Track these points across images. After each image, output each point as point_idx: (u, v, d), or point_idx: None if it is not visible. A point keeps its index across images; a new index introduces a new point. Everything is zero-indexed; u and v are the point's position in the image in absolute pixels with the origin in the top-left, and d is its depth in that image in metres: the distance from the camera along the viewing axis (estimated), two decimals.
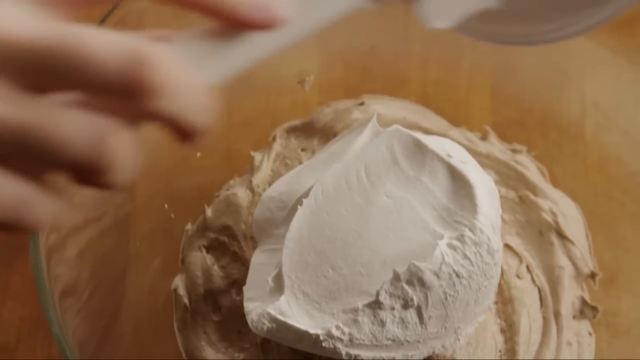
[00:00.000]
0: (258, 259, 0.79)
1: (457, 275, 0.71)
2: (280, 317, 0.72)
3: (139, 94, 0.41)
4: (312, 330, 0.71)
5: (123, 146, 0.43)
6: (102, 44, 0.41)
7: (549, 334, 0.82)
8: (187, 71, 0.43)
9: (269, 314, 0.72)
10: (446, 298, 0.71)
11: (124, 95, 0.41)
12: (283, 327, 0.72)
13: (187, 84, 0.43)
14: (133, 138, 0.44)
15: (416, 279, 0.70)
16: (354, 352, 0.72)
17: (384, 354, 0.74)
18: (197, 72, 0.45)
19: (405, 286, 0.70)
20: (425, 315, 0.71)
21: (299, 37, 0.49)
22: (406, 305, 0.71)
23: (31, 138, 0.41)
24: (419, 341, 0.73)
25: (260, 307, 0.74)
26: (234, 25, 0.46)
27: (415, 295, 0.70)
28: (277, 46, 0.48)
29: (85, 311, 0.71)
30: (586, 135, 0.91)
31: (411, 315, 0.71)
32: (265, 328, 0.73)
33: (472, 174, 0.74)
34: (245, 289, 0.77)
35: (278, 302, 0.72)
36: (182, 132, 0.45)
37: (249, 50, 0.47)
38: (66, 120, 0.41)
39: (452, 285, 0.71)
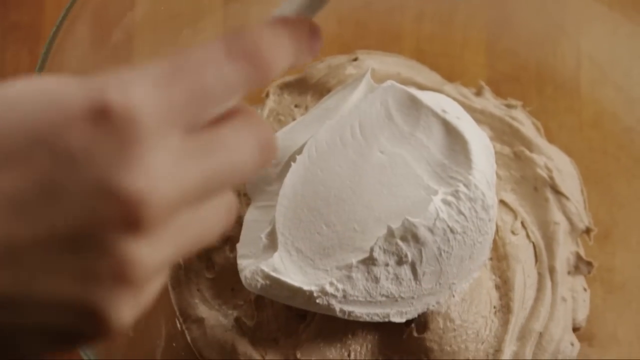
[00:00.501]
0: (251, 216, 0.79)
1: (452, 231, 0.71)
2: (274, 274, 0.71)
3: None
4: (305, 287, 0.71)
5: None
6: None
7: (544, 289, 0.81)
8: None
9: (262, 270, 0.72)
10: (440, 254, 0.71)
11: None
12: (276, 284, 0.72)
13: None
14: None
15: (410, 235, 0.69)
16: (347, 308, 0.72)
17: (378, 310, 0.74)
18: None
19: (400, 242, 0.69)
20: (419, 271, 0.71)
21: None
22: (400, 262, 0.70)
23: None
24: (413, 297, 0.73)
25: (253, 264, 0.74)
26: None
27: (409, 251, 0.70)
28: None
29: None
30: (581, 90, 0.90)
31: (405, 271, 0.71)
32: (258, 285, 0.73)
33: (467, 130, 0.74)
34: (238, 246, 0.77)
35: (271, 259, 0.72)
36: None
37: None
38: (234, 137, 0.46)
39: (447, 241, 0.71)
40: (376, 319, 0.74)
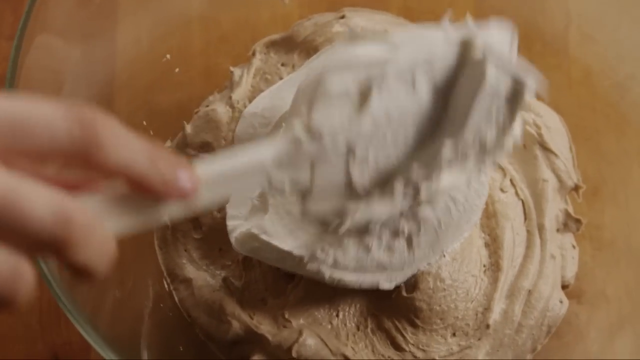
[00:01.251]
0: None
1: (454, 201, 0.70)
2: (264, 237, 0.71)
3: (62, 248, 0.45)
4: (296, 252, 0.70)
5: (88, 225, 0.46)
6: (35, 203, 0.44)
7: (533, 247, 0.81)
8: (100, 224, 0.47)
9: (252, 233, 0.71)
10: (440, 225, 0.71)
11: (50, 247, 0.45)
12: (266, 247, 0.71)
13: (100, 237, 0.47)
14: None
15: (410, 212, 0.69)
16: (337, 275, 0.72)
17: (367, 278, 0.73)
18: (108, 225, 0.49)
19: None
20: (415, 241, 0.71)
21: (207, 205, 0.53)
22: (396, 234, 0.70)
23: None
24: (404, 265, 0.73)
25: (243, 225, 0.73)
26: (146, 192, 0.49)
27: (407, 225, 0.69)
28: (186, 211, 0.52)
29: None
30: (570, 47, 0.90)
31: (400, 242, 0.70)
32: (248, 247, 0.73)
33: None
34: (228, 206, 0.76)
35: (262, 222, 0.71)
36: (81, 274, 0.48)
37: (158, 211, 0.51)
38: (30, 191, 0.44)
39: (448, 212, 0.70)
40: (365, 286, 0.74)
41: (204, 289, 0.81)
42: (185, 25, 0.90)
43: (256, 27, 0.91)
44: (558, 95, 0.89)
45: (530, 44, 0.90)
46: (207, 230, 0.83)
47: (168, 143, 0.88)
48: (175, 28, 0.89)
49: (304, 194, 0.59)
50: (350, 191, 0.63)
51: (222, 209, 0.79)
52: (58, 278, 0.64)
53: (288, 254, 0.71)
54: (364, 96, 0.56)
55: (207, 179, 0.52)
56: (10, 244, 0.45)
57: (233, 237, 0.74)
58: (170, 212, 0.51)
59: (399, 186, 0.63)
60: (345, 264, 0.70)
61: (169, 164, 0.49)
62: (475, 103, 0.59)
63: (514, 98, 0.60)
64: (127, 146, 0.47)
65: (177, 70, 0.88)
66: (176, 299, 0.83)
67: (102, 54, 0.83)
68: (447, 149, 0.59)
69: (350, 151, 0.57)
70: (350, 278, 0.73)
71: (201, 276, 0.82)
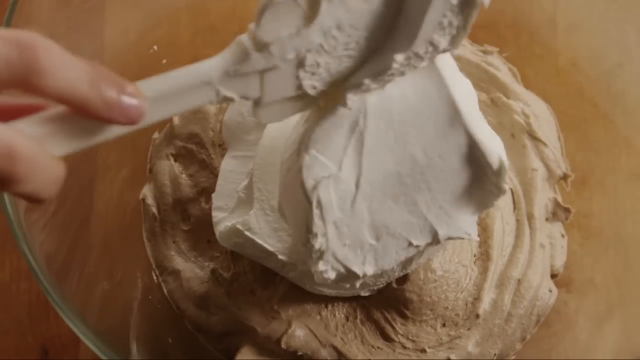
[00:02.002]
0: (228, 165, 0.78)
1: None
2: (248, 234, 0.71)
3: (8, 183, 0.46)
4: (280, 256, 0.71)
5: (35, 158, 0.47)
6: None
7: (522, 236, 0.81)
8: (44, 152, 0.47)
9: (236, 228, 0.71)
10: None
11: None
12: (250, 244, 0.71)
13: (46, 166, 0.47)
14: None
15: None
16: (317, 286, 0.73)
17: (347, 291, 0.74)
18: (50, 148, 0.48)
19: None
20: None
21: (153, 122, 0.52)
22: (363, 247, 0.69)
23: None
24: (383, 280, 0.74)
25: (228, 219, 0.73)
26: (96, 119, 0.49)
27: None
28: (125, 130, 0.51)
29: (52, 225, 0.70)
30: (558, 35, 0.89)
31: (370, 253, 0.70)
32: (232, 242, 0.73)
33: (448, 77, 0.73)
34: (214, 196, 0.76)
35: (247, 217, 0.71)
36: (31, 200, 0.49)
37: (99, 132, 0.50)
38: None
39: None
40: (343, 294, 0.75)
41: (192, 281, 0.81)
42: (172, 15, 0.90)
43: (244, 18, 0.91)
44: (546, 84, 0.89)
45: (519, 33, 0.90)
46: (196, 222, 0.83)
47: (156, 135, 0.87)
48: (162, 18, 0.89)
49: (256, 102, 0.57)
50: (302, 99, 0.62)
51: (209, 200, 0.79)
52: (46, 272, 0.64)
53: (272, 254, 0.71)
54: (313, 5, 0.55)
55: (152, 96, 0.51)
56: None
57: (218, 230, 0.74)
58: (117, 129, 0.50)
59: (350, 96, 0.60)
60: (326, 279, 0.70)
61: (112, 86, 0.48)
62: (428, 11, 0.57)
63: (467, 2, 0.58)
64: (67, 71, 0.46)
65: (164, 61, 0.87)
66: (165, 290, 0.83)
67: (90, 47, 0.82)
68: (397, 64, 0.58)
69: (299, 60, 0.56)
70: (330, 291, 0.74)
71: (190, 268, 0.82)
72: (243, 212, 0.72)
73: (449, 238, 0.66)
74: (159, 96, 0.52)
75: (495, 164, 0.63)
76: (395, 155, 0.62)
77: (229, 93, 0.54)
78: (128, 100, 0.49)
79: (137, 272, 0.82)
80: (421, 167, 0.63)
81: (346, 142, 0.61)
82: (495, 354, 0.79)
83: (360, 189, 0.62)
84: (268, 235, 0.71)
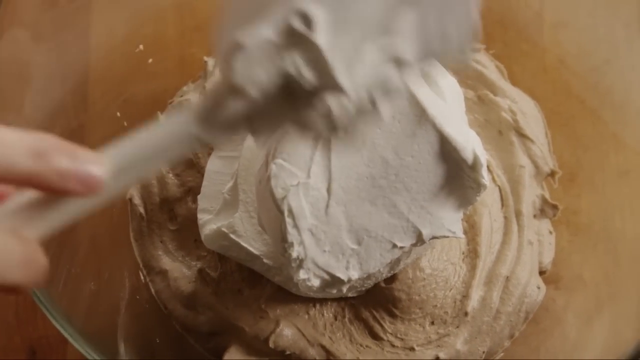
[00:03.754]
0: (213, 166, 0.78)
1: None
2: (233, 237, 0.71)
3: None
4: (265, 260, 0.71)
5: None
6: None
7: (510, 233, 0.81)
8: (20, 242, 0.46)
9: (222, 231, 0.71)
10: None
11: None
12: (236, 247, 0.71)
13: (23, 256, 0.46)
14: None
15: None
16: (302, 290, 0.72)
17: (334, 294, 0.74)
18: (28, 232, 0.47)
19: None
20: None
21: (117, 192, 0.50)
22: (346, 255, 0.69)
23: None
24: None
25: (214, 220, 0.73)
26: (55, 193, 0.47)
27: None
28: (95, 204, 0.49)
29: None
30: (545, 32, 0.89)
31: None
32: (217, 244, 0.73)
33: (438, 77, 0.73)
34: (199, 197, 0.76)
35: (232, 220, 0.71)
36: (13, 293, 0.47)
37: (68, 209, 0.48)
38: None
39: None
40: (330, 297, 0.75)
41: (179, 281, 0.81)
42: (159, 14, 0.90)
43: None
44: (533, 81, 0.88)
45: (505, 29, 0.90)
46: (182, 221, 0.83)
47: None
48: (149, 16, 0.88)
49: (252, 131, 0.54)
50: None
51: (195, 200, 0.78)
52: None
53: (257, 258, 0.71)
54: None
55: (121, 161, 0.49)
56: None
57: (203, 233, 0.74)
58: (92, 201, 0.49)
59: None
60: (310, 287, 0.70)
61: (64, 155, 0.46)
62: None
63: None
64: (2, 147, 0.44)
65: (150, 60, 0.87)
66: (152, 290, 0.82)
67: (76, 47, 0.82)
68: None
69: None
70: (317, 294, 0.74)
71: (177, 267, 0.82)
72: (228, 214, 0.72)
73: (434, 237, 0.67)
74: (128, 160, 0.49)
75: (469, 159, 0.64)
76: (365, 158, 0.63)
77: (210, 138, 0.51)
78: (83, 166, 0.46)
79: (124, 272, 0.82)
80: (394, 168, 0.63)
81: (312, 149, 0.62)
82: (483, 352, 0.79)
83: (333, 194, 0.63)
84: (253, 238, 0.71)
